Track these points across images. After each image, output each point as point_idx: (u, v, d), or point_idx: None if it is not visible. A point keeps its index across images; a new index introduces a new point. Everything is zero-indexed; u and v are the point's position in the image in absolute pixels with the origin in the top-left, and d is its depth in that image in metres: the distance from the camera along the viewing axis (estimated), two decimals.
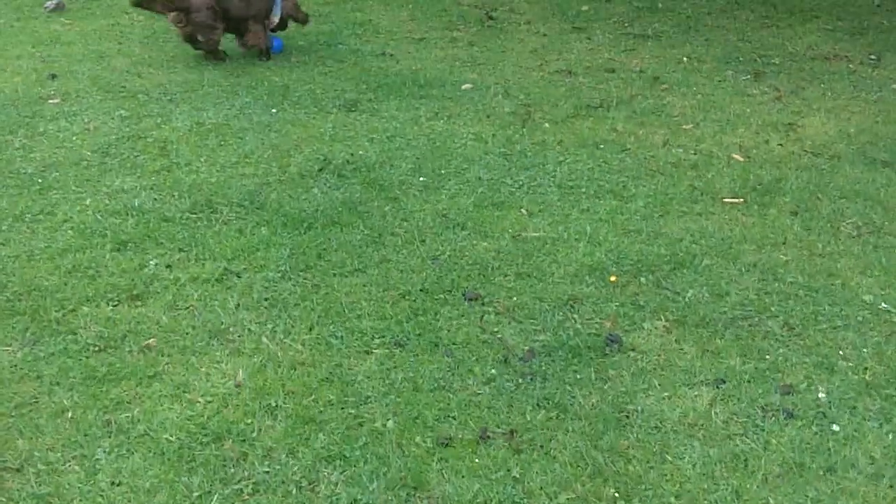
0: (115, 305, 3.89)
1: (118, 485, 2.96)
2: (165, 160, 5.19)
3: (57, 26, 7.68)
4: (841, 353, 3.72)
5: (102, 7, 8.28)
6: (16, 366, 3.52)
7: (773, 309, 3.99)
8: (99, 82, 6.39)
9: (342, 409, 3.32)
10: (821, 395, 3.48)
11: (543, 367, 3.57)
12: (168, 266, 4.18)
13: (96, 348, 3.61)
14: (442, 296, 4.01)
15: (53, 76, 6.49)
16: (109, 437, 3.16)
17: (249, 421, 3.24)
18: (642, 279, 4.20)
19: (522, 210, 4.77)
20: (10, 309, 3.84)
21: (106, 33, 7.47)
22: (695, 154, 5.54)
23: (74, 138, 5.45)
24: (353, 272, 4.18)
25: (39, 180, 4.91)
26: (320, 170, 5.14)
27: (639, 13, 8.72)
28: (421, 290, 4.04)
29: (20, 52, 6.99)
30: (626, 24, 8.33)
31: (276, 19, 6.99)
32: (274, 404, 3.33)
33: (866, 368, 3.63)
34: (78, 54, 6.98)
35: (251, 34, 6.90)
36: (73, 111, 5.87)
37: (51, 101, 6.04)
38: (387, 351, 3.65)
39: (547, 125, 5.88)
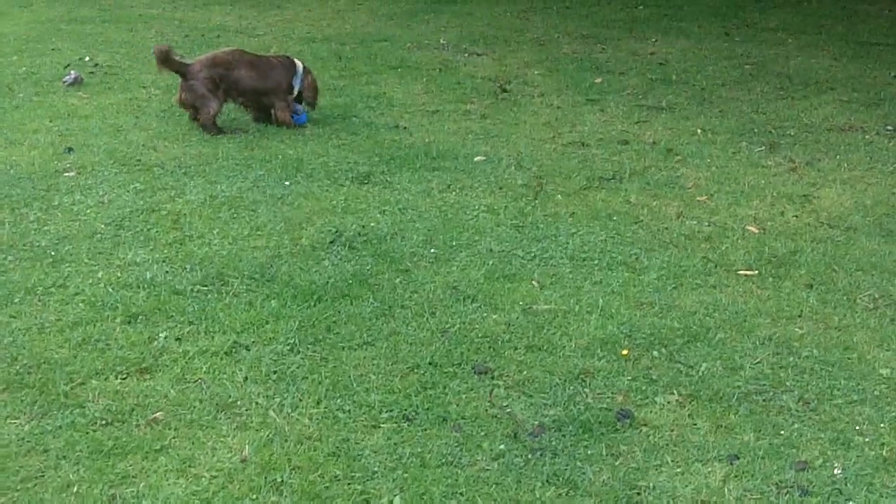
0: (123, 378, 3.88)
1: None
2: (178, 233, 5.22)
3: (75, 100, 7.79)
4: (857, 428, 3.66)
5: (120, 82, 8.40)
6: (23, 439, 3.49)
7: (787, 383, 3.94)
8: (115, 155, 6.46)
9: (348, 484, 3.28)
10: (837, 471, 3.40)
11: (553, 443, 3.52)
12: (178, 339, 4.17)
13: (104, 422, 3.59)
14: (451, 369, 3.98)
15: (70, 150, 6.57)
16: None
17: (255, 497, 3.20)
18: (655, 353, 4.15)
19: (534, 282, 4.75)
20: (18, 382, 3.83)
21: (123, 107, 7.57)
22: (709, 226, 5.53)
23: (89, 211, 5.49)
24: (362, 345, 4.16)
25: (52, 253, 4.94)
26: (332, 242, 5.15)
27: (652, 85, 8.78)
28: (430, 364, 4.01)
29: (38, 125, 7.09)
30: (639, 96, 8.38)
31: (294, 92, 7.09)
32: (280, 480, 3.28)
33: (883, 444, 3.56)
34: (95, 128, 7.07)
35: (280, 110, 7.02)
36: (89, 184, 5.92)
37: (66, 175, 6.10)
38: (395, 425, 3.61)
39: (559, 197, 5.88)
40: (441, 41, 10.37)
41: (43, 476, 3.31)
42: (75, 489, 3.24)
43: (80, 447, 3.44)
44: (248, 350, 4.10)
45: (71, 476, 3.30)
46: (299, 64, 7.13)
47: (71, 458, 3.39)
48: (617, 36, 11.00)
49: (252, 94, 6.96)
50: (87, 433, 3.52)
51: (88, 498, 3.19)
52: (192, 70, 6.77)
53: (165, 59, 6.73)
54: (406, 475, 3.33)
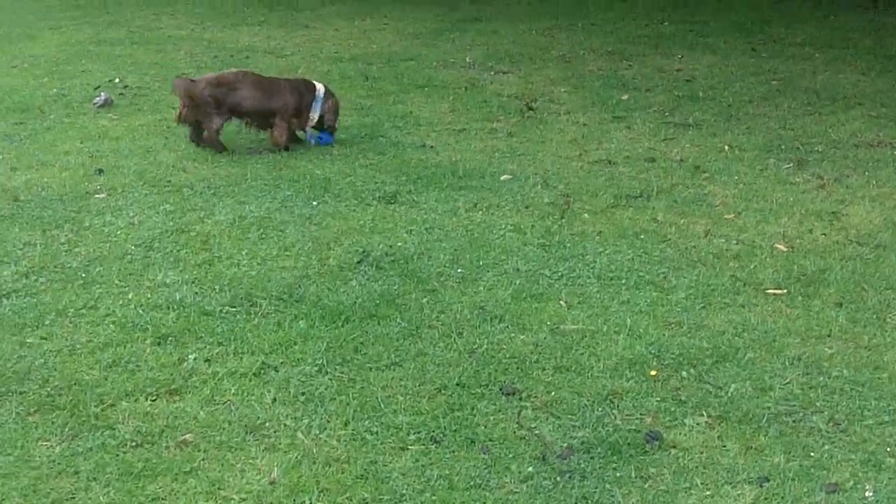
0: (153, 400, 3.91)
1: None
2: (207, 254, 5.26)
3: (105, 122, 7.88)
4: (888, 449, 3.62)
5: (150, 103, 8.48)
6: (54, 461, 3.53)
7: (818, 404, 3.91)
8: (145, 177, 6.52)
9: None
10: (868, 493, 3.37)
11: (582, 465, 3.51)
12: (207, 360, 4.20)
13: (134, 443, 3.62)
14: (479, 390, 3.98)
15: (100, 171, 6.64)
16: None
17: None
18: (684, 373, 4.14)
19: (561, 302, 4.75)
20: (49, 403, 3.87)
21: (153, 129, 7.64)
22: (737, 244, 5.50)
23: (119, 232, 5.55)
24: (389, 366, 4.17)
25: (83, 274, 4.99)
26: (359, 262, 5.17)
27: (679, 102, 8.76)
28: (458, 385, 4.01)
29: (69, 147, 7.17)
30: (666, 113, 8.36)
31: (315, 116, 7.13)
32: (308, 502, 3.29)
33: None
34: (125, 149, 7.14)
35: (276, 130, 7.07)
36: (119, 206, 5.98)
37: (97, 196, 6.16)
38: (422, 447, 3.61)
39: (586, 215, 5.88)
40: (467, 60, 10.40)
41: (74, 498, 3.34)
42: None
43: (110, 469, 3.47)
44: (277, 371, 4.12)
45: (101, 498, 3.33)
46: (320, 88, 7.17)
47: (101, 479, 3.42)
48: (642, 52, 10.99)
49: (255, 114, 7.03)
50: (118, 455, 3.55)
51: None
52: (200, 86, 6.91)
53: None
54: (434, 498, 3.33)
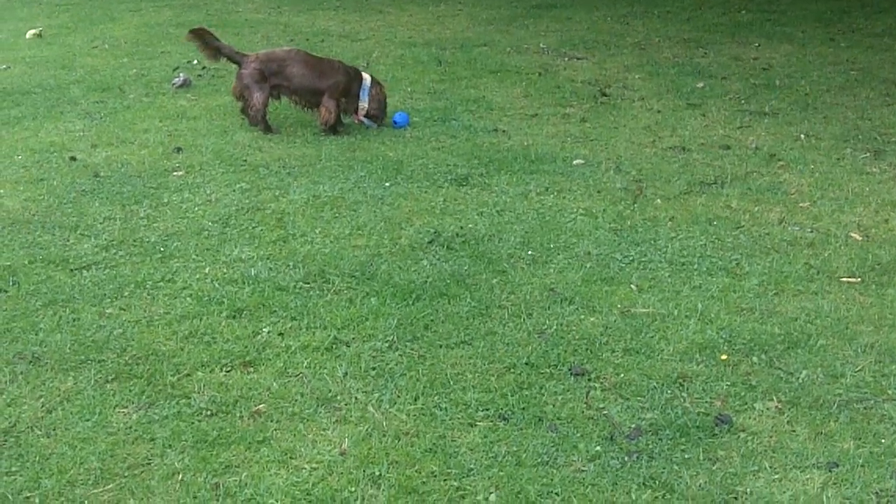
0: (228, 371, 3.99)
1: None
2: (282, 231, 5.35)
3: (183, 102, 8.03)
4: None
5: (227, 85, 8.59)
6: (131, 427, 3.63)
7: (889, 392, 3.85)
8: (221, 156, 6.64)
9: (445, 480, 3.32)
10: None
11: (650, 446, 3.51)
12: (280, 334, 4.28)
13: (208, 413, 3.70)
14: (548, 370, 4.00)
15: (179, 149, 6.78)
16: (217, 500, 3.22)
17: (353, 489, 3.27)
18: (754, 358, 4.11)
19: (632, 286, 4.74)
20: (127, 372, 3.97)
21: (229, 109, 7.76)
22: (811, 232, 5.43)
23: (196, 209, 5.66)
24: (459, 344, 4.21)
25: (162, 249, 5.11)
26: (430, 242, 5.21)
27: (755, 90, 8.64)
28: (526, 364, 4.03)
29: (148, 125, 7.33)
30: (742, 101, 8.26)
31: (364, 105, 7.19)
32: (377, 473, 3.35)
33: None
34: (202, 129, 7.27)
35: (323, 108, 7.13)
36: (197, 183, 6.10)
37: (175, 174, 6.29)
38: (491, 424, 3.65)
39: (659, 201, 5.84)
40: (541, 45, 10.38)
41: (150, 464, 3.43)
42: (180, 477, 3.35)
43: (185, 437, 3.56)
44: (348, 346, 4.18)
45: (176, 464, 3.41)
46: (367, 77, 7.22)
47: (176, 447, 3.51)
48: (719, 40, 10.85)
49: (304, 92, 7.11)
50: (193, 423, 3.64)
51: (193, 486, 3.30)
52: (246, 61, 7.07)
53: (201, 38, 7.20)
54: (502, 473, 3.36)
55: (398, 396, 3.82)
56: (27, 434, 3.56)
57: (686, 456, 3.47)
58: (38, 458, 3.42)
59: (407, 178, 6.23)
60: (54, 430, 3.59)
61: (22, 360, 4.04)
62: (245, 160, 6.55)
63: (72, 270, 4.86)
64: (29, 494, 3.25)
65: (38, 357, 4.06)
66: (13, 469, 3.38)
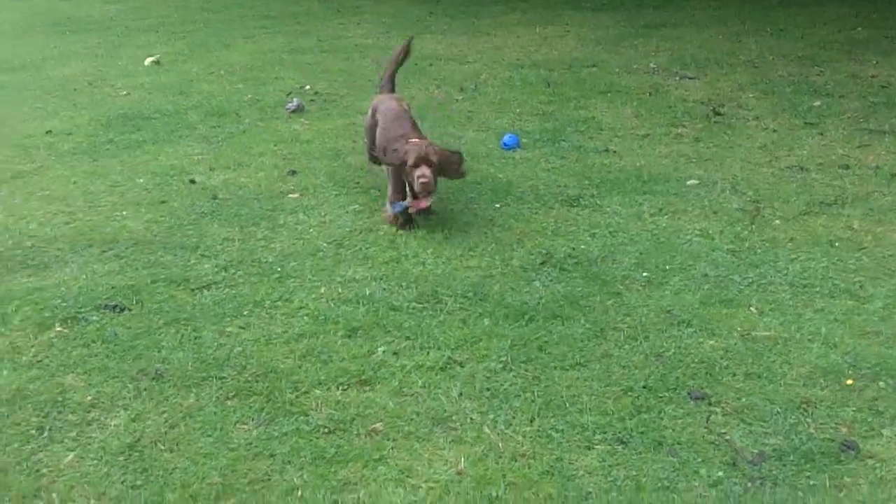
0: (344, 389, 4.03)
1: None
2: (394, 252, 5.38)
3: (297, 126, 8.17)
4: None
5: (338, 108, 8.75)
6: (251, 444, 3.68)
7: None
8: (335, 178, 6.74)
9: (562, 503, 3.28)
10: None
11: (774, 472, 3.41)
12: (395, 353, 4.30)
13: (326, 430, 3.74)
14: (666, 394, 3.92)
15: (293, 172, 6.90)
16: None
17: None
18: (881, 383, 3.96)
19: (752, 308, 4.62)
20: (247, 389, 4.04)
21: (342, 132, 7.87)
22: None
23: (311, 230, 5.75)
24: (574, 366, 4.17)
25: (279, 269, 5.19)
26: (542, 263, 5.18)
27: (874, 108, 8.38)
28: (644, 387, 3.97)
29: (263, 149, 7.48)
30: (860, 120, 8.02)
31: None
32: (494, 495, 3.33)
33: None
34: (316, 152, 7.39)
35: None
36: (311, 205, 6.20)
37: (290, 196, 6.40)
38: (609, 447, 3.59)
39: (777, 222, 5.70)
40: (651, 65, 10.26)
41: (269, 479, 3.48)
42: (299, 493, 3.39)
43: (304, 453, 3.60)
44: (462, 366, 4.18)
45: (295, 480, 3.45)
46: None
47: (295, 463, 3.55)
48: (835, 58, 10.56)
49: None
50: (311, 440, 3.68)
51: (312, 502, 3.33)
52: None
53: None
54: (621, 497, 3.30)
55: (513, 418, 3.79)
56: (151, 449, 3.65)
57: (811, 483, 3.36)
58: (161, 473, 3.50)
59: (517, 199, 6.22)
60: (177, 445, 3.67)
61: (145, 377, 4.14)
62: (357, 182, 6.62)
63: (192, 290, 4.97)
64: None
65: (160, 374, 4.16)
66: (137, 483, 3.46)
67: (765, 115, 8.20)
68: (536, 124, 7.95)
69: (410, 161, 5.52)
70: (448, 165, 5.67)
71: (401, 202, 5.76)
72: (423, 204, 5.65)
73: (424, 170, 5.51)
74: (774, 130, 7.74)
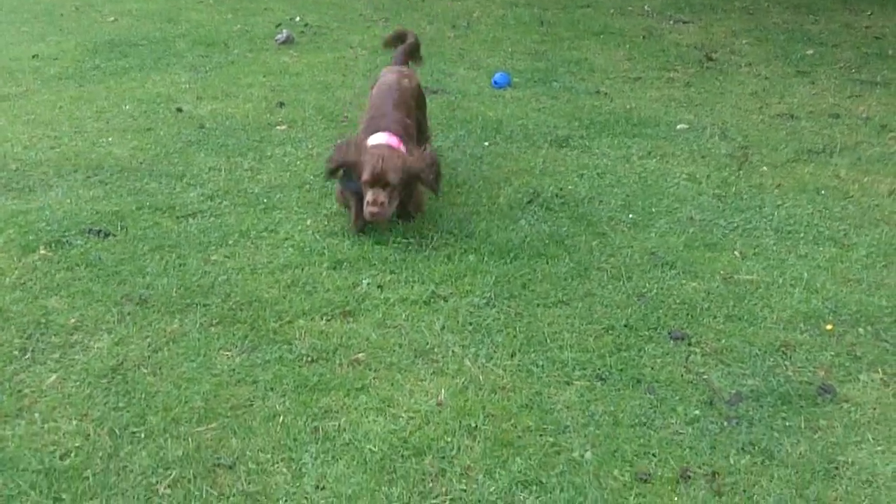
0: (328, 320, 4.04)
1: (322, 489, 3.07)
2: None
3: (286, 58, 8.11)
4: None
5: (329, 41, 8.68)
6: (234, 370, 3.70)
7: None
8: (323, 111, 6.70)
9: (540, 435, 3.32)
10: None
11: (750, 412, 3.46)
12: (379, 286, 4.32)
13: (309, 359, 3.76)
14: (647, 333, 3.95)
15: (281, 104, 6.85)
16: (316, 443, 3.28)
17: (449, 439, 3.29)
18: (860, 330, 4.00)
19: (736, 252, 4.65)
20: (231, 317, 4.05)
21: (331, 66, 7.81)
22: None
23: (299, 163, 5.72)
24: (556, 303, 4.19)
25: (265, 200, 5.18)
26: (529, 202, 5.18)
27: (867, 59, 8.37)
28: (625, 326, 4.00)
29: (252, 80, 7.42)
30: (852, 70, 8.00)
31: None
32: (473, 425, 3.36)
33: None
34: (305, 85, 7.34)
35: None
36: (299, 138, 6.17)
37: (278, 128, 6.37)
38: (588, 383, 3.63)
39: (765, 168, 5.71)
40: (645, 8, 10.20)
41: (251, 405, 3.50)
42: (281, 419, 3.41)
43: (286, 381, 3.62)
44: (446, 301, 4.20)
45: (277, 407, 3.48)
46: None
47: (278, 390, 3.57)
48: (830, 7, 10.52)
49: None
50: (294, 368, 3.70)
51: (293, 428, 3.35)
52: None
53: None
54: (598, 432, 3.34)
55: (495, 352, 3.82)
56: (134, 372, 3.66)
57: (787, 424, 3.40)
58: (144, 396, 3.52)
59: (506, 138, 6.21)
60: (160, 369, 3.68)
61: (129, 302, 4.15)
62: (346, 116, 6.59)
63: (178, 218, 4.96)
64: (135, 429, 3.34)
65: (144, 299, 4.17)
66: (120, 405, 3.48)
67: (757, 61, 8.17)
68: (528, 63, 7.90)
69: (364, 176, 4.57)
70: (415, 182, 4.73)
71: (354, 182, 4.74)
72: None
73: (378, 194, 4.56)
74: (766, 78, 7.72)
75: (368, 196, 4.55)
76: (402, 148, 4.75)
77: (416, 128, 5.22)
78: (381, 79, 5.40)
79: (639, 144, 6.07)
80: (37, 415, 3.42)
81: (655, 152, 5.93)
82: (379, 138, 4.76)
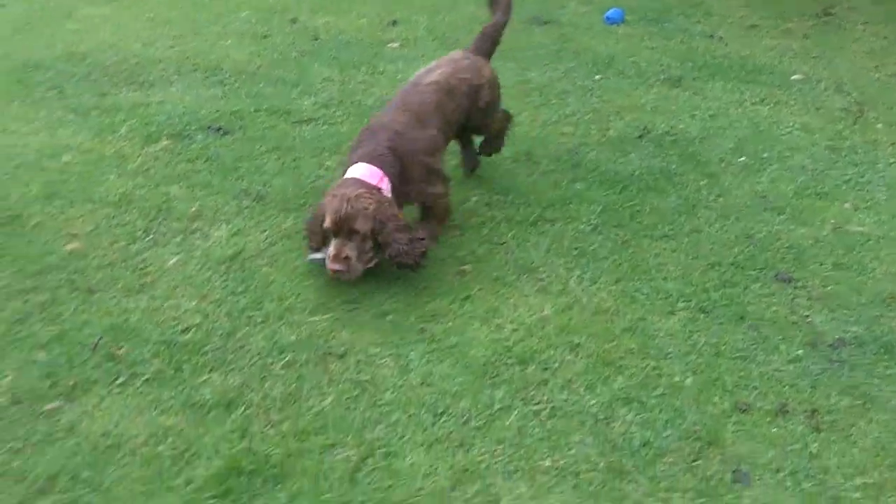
0: None
1: (427, 385, 3.17)
2: None
3: None
4: None
5: None
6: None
7: None
8: (434, 32, 6.73)
9: (642, 359, 3.38)
10: None
11: (852, 358, 3.46)
12: (487, 204, 4.38)
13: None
14: (753, 272, 3.96)
15: (394, 23, 6.90)
16: (423, 343, 3.38)
17: (552, 353, 3.36)
18: None
19: (846, 204, 4.60)
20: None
21: None
22: None
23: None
24: (663, 237, 4.21)
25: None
26: (639, 137, 5.18)
27: None
28: (731, 264, 4.01)
29: None
30: None
31: None
32: (576, 342, 3.43)
33: None
34: (417, 5, 7.36)
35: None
36: (411, 56, 6.21)
37: (390, 45, 6.42)
38: (690, 314, 3.66)
39: (880, 126, 5.60)
40: None
41: (362, 303, 3.60)
42: (390, 318, 3.52)
43: (396, 283, 3.71)
44: (552, 224, 4.24)
45: (386, 307, 3.58)
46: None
47: (387, 291, 3.67)
48: None
49: None
50: (402, 273, 3.77)
51: (401, 326, 3.46)
52: None
53: None
54: (699, 360, 3.38)
55: (599, 276, 3.87)
56: (251, 262, 3.80)
57: (888, 372, 3.40)
58: (260, 284, 3.66)
59: (617, 73, 6.18)
60: (276, 261, 3.81)
61: (247, 197, 4.28)
62: (457, 39, 6.60)
63: (293, 122, 5.07)
64: (252, 314, 3.48)
65: (262, 196, 4.29)
66: (238, 290, 3.62)
67: (876, 20, 7.94)
68: (643, 2, 7.80)
69: (326, 222, 3.58)
70: (390, 235, 3.60)
71: (317, 253, 3.78)
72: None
73: (340, 246, 3.57)
74: (885, 37, 7.51)
75: (330, 248, 3.59)
76: (385, 184, 3.71)
77: (459, 134, 4.37)
78: (433, 64, 4.42)
79: (752, 90, 5.99)
80: (158, 292, 3.58)
81: (769, 100, 5.85)
82: (355, 171, 3.72)
